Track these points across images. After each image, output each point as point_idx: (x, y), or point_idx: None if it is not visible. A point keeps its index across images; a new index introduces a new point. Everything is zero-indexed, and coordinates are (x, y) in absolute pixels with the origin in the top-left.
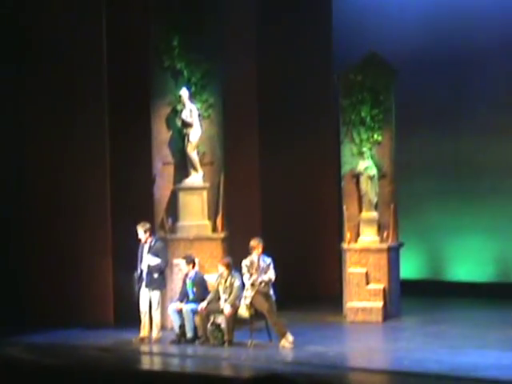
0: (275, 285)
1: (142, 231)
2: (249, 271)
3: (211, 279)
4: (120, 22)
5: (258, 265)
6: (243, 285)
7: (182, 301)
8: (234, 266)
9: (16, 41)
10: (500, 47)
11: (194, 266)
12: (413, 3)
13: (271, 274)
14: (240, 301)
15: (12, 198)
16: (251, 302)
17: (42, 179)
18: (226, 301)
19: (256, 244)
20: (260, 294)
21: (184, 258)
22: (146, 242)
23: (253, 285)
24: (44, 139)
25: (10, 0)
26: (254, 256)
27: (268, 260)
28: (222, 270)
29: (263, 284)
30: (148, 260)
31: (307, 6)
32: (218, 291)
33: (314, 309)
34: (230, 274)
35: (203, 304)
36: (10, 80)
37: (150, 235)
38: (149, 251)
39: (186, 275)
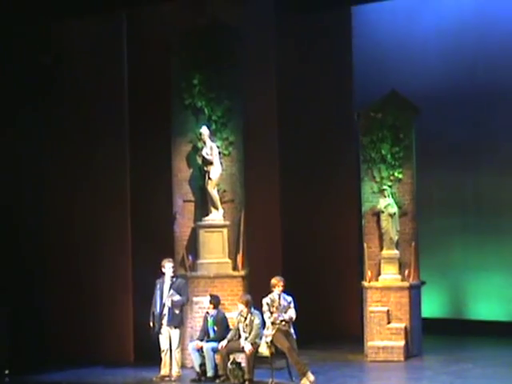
0: (296, 323)
1: (171, 265)
2: (269, 309)
3: (232, 317)
4: (141, 60)
5: (279, 303)
6: (263, 323)
7: (202, 339)
8: (254, 304)
9: (40, 81)
10: None
11: (215, 307)
12: (434, 41)
13: (292, 313)
14: (260, 339)
15: (33, 237)
16: (272, 341)
17: (61, 217)
18: (246, 339)
19: (277, 282)
20: (281, 332)
21: (210, 297)
22: (173, 277)
23: (273, 323)
24: (64, 178)
25: (35, 41)
26: (275, 294)
27: (289, 298)
28: (242, 307)
29: (284, 323)
30: (172, 296)
31: (328, 43)
32: (238, 329)
33: (335, 347)
34: (249, 311)
35: (224, 342)
36: (34, 115)
37: (175, 271)
38: (170, 288)
39: (208, 313)
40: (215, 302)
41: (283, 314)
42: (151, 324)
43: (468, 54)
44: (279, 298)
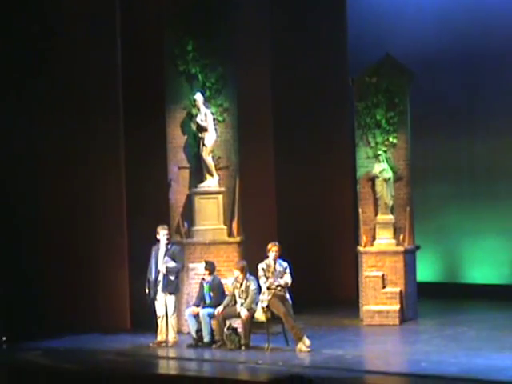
0: (291, 288)
1: (166, 232)
2: (265, 275)
3: (228, 283)
4: (134, 27)
5: (275, 268)
6: (259, 288)
7: (198, 305)
8: (250, 270)
9: (32, 53)
10: None
11: (211, 273)
12: (428, 4)
13: (288, 279)
14: (256, 304)
15: (28, 210)
16: (268, 306)
17: (56, 189)
18: (242, 305)
19: (271, 247)
20: (277, 297)
21: (206, 263)
22: (167, 244)
23: (269, 288)
24: (58, 149)
25: (25, 13)
26: (271, 259)
27: (284, 264)
28: (237, 273)
29: (280, 288)
30: (166, 262)
31: (322, 9)
32: (234, 295)
33: (331, 312)
34: (245, 277)
35: (220, 308)
36: (24, 79)
37: (169, 238)
38: (165, 254)
39: (203, 279)
40: (211, 268)
41: (279, 279)
42: (147, 290)
43: (463, 17)
44: (275, 264)
